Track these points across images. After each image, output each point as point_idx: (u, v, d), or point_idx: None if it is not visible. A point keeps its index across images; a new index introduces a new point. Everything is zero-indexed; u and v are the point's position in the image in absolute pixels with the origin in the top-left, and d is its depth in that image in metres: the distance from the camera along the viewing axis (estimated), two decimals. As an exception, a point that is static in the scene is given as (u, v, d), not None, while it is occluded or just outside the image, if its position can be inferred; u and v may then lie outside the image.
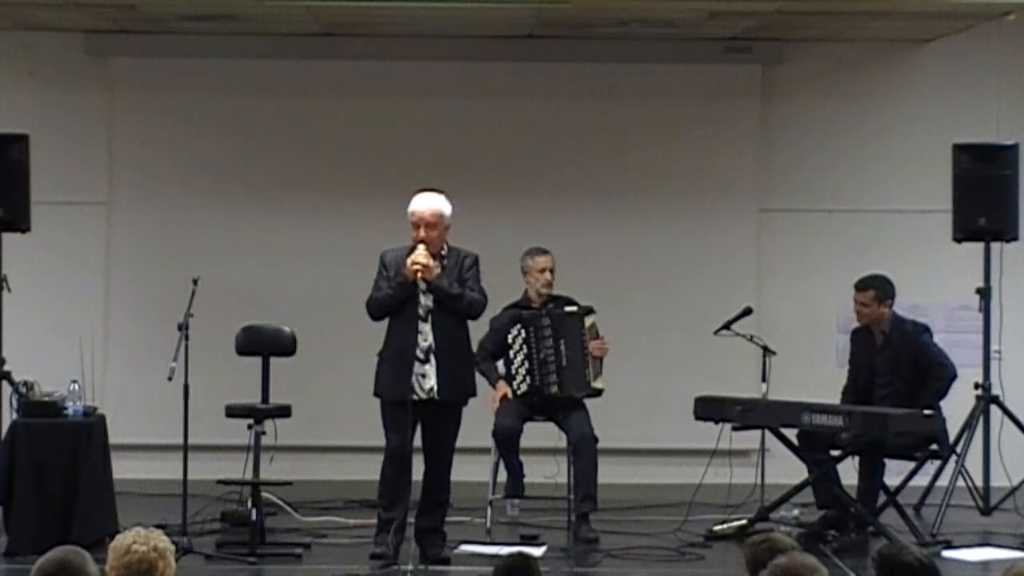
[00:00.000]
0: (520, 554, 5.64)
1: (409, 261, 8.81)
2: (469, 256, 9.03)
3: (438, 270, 8.88)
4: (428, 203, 8.91)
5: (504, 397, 9.90)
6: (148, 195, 12.01)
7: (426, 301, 8.86)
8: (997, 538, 9.84)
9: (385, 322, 8.98)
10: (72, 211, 11.90)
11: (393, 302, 8.89)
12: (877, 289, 10.05)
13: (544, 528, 9.97)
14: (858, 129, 12.17)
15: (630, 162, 12.09)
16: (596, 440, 9.83)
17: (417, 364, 8.82)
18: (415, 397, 8.80)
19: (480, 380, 9.46)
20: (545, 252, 10.11)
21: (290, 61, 12.03)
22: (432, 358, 8.83)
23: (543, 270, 10.07)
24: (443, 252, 8.96)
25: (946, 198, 10.75)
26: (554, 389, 9.95)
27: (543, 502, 10.10)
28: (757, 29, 11.55)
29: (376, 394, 8.98)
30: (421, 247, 8.83)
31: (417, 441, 8.98)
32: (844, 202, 12.11)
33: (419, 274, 8.81)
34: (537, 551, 9.40)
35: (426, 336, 8.85)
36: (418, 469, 9.01)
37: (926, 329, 10.12)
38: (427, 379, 8.83)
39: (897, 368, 10.00)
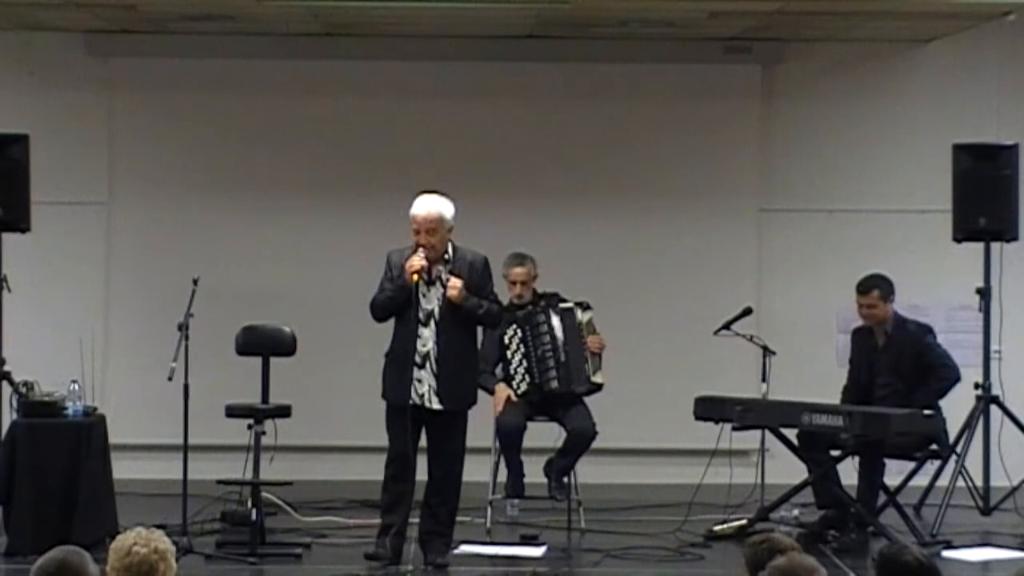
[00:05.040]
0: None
1: (407, 266, 8.74)
2: (478, 259, 8.93)
3: (456, 291, 8.75)
4: (427, 207, 8.81)
5: (508, 399, 9.87)
6: (148, 195, 12.01)
7: (426, 305, 8.79)
8: (997, 538, 9.84)
9: (389, 323, 8.96)
10: (72, 211, 11.88)
11: (392, 304, 8.84)
12: (881, 289, 10.05)
13: (544, 528, 9.97)
14: (858, 129, 12.16)
15: (630, 162, 12.08)
16: (595, 434, 9.82)
17: (415, 369, 8.76)
18: (412, 402, 8.77)
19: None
20: (522, 263, 10.05)
21: (290, 61, 12.02)
22: (428, 364, 8.76)
23: (514, 282, 10.04)
24: (447, 256, 8.85)
25: (946, 198, 10.74)
26: (554, 384, 9.94)
27: (543, 502, 10.09)
28: (757, 29, 11.55)
29: (383, 396, 8.95)
30: (420, 251, 8.74)
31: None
32: (844, 202, 12.10)
33: (426, 281, 8.74)
34: (537, 551, 9.42)
35: (425, 341, 8.78)
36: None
37: (930, 330, 10.12)
38: (422, 384, 8.77)
39: (898, 368, 10.00)
